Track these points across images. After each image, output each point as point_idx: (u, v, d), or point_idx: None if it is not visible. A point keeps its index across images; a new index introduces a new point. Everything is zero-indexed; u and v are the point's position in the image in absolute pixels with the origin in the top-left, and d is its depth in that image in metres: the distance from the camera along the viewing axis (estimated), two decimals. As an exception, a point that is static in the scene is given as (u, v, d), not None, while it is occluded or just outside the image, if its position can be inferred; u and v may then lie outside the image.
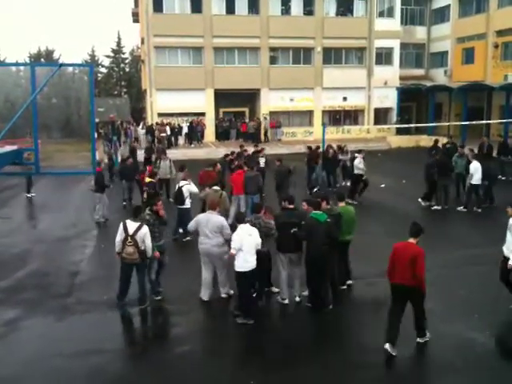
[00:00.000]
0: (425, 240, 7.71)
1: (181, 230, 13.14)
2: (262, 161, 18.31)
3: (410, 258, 7.19)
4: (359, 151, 17.99)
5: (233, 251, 8.35)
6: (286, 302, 9.19)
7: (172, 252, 10.99)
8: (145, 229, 8.86)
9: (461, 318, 8.57)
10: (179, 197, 12.84)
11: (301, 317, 8.92)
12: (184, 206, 12.76)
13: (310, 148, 20.17)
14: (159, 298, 9.49)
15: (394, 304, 7.56)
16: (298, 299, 9.21)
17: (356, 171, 17.33)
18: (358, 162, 17.30)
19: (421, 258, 7.19)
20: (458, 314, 8.72)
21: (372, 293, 9.74)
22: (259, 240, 8.52)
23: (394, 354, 7.24)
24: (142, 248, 8.81)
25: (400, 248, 7.45)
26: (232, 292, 9.35)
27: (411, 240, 7.46)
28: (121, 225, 9.04)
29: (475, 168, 15.49)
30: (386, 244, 11.46)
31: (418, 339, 7.66)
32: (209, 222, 9.04)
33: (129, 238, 8.77)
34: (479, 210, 15.68)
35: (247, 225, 8.59)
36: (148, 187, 14.05)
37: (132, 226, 8.88)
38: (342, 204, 9.81)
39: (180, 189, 12.96)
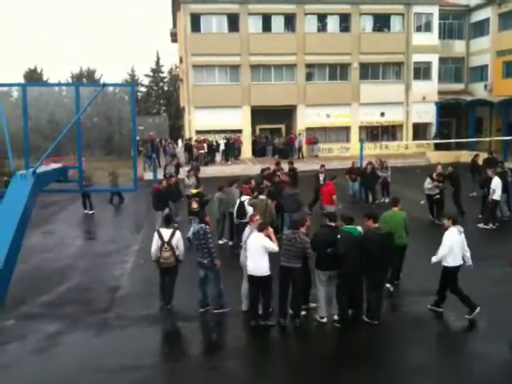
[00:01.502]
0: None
1: (230, 243, 13.63)
2: (321, 177, 18.21)
3: None
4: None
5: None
6: (325, 320, 9.05)
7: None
8: (178, 234, 9.55)
9: (505, 338, 8.26)
10: (241, 210, 13.07)
11: (339, 335, 8.79)
12: (244, 220, 12.73)
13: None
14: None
15: None
16: (336, 317, 9.06)
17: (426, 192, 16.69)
18: (427, 183, 16.48)
19: None
20: (503, 334, 8.41)
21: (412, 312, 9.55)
22: (264, 244, 8.60)
23: None
24: (177, 253, 9.46)
25: None
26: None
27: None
28: (155, 234, 9.61)
29: (497, 183, 15.06)
30: (423, 263, 11.32)
31: None
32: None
33: (165, 244, 9.36)
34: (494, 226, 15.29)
35: (256, 233, 8.79)
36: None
37: (166, 233, 9.45)
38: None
39: (242, 203, 13.26)
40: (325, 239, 8.85)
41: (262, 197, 12.99)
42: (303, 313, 9.18)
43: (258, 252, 8.69)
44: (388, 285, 10.08)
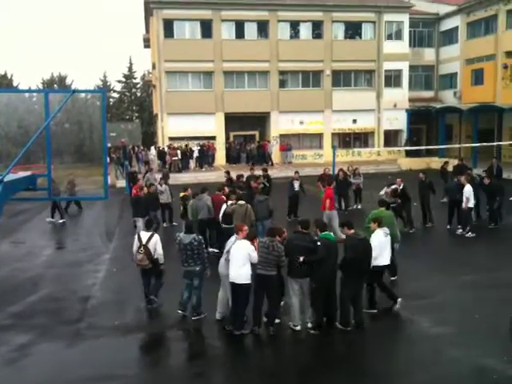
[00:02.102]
0: (441, 263, 7.63)
1: (216, 250, 13.44)
2: (296, 184, 18.21)
3: None
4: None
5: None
6: (298, 328, 9.02)
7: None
8: (155, 237, 9.83)
9: (476, 343, 8.40)
10: (228, 217, 12.98)
11: (313, 343, 8.80)
12: (231, 226, 12.67)
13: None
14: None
15: None
16: (310, 325, 9.03)
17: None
18: (382, 191, 16.01)
19: None
20: (474, 339, 8.55)
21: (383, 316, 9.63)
22: (247, 252, 8.58)
23: None
24: (155, 257, 9.75)
25: None
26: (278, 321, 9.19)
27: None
28: (136, 236, 10.04)
29: (469, 191, 15.31)
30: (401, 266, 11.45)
31: None
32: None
33: (141, 246, 9.71)
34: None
35: (240, 241, 8.81)
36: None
37: (145, 236, 9.86)
38: (350, 232, 9.23)
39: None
40: (297, 244, 8.81)
41: (242, 202, 12.96)
42: (277, 321, 9.14)
43: (240, 260, 8.64)
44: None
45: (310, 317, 9.07)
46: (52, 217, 19.40)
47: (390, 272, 11.03)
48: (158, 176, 20.14)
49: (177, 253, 9.73)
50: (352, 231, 9.15)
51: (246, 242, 8.80)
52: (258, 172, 19.09)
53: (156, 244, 9.79)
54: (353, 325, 8.97)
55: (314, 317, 8.97)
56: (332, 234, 9.34)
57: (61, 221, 19.31)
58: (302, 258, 8.62)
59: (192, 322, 9.47)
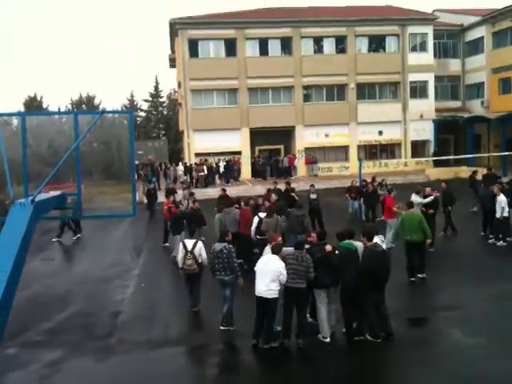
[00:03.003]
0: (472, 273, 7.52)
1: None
2: (313, 197, 18.29)
3: None
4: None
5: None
6: (328, 340, 9.02)
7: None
8: (200, 244, 10.59)
9: (508, 355, 8.23)
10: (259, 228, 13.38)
11: (343, 356, 8.75)
12: (263, 237, 12.93)
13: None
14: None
15: None
16: (328, 340, 9.06)
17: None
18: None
19: None
20: (505, 351, 8.38)
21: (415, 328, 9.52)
22: (279, 269, 8.54)
23: None
24: (200, 261, 10.51)
25: None
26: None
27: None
28: (180, 244, 10.86)
29: (504, 201, 15.05)
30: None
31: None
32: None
33: (188, 253, 10.43)
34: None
35: (269, 255, 8.94)
36: None
37: (189, 243, 10.57)
38: (369, 243, 9.22)
39: (261, 220, 13.52)
40: (320, 257, 8.94)
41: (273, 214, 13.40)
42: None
43: (269, 275, 8.63)
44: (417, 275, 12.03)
45: (332, 326, 9.19)
46: (59, 236, 19.35)
47: (419, 269, 12.15)
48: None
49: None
50: (371, 243, 9.15)
51: (277, 259, 8.77)
52: (281, 186, 19.24)
53: (201, 250, 10.59)
54: (383, 336, 8.91)
55: (345, 323, 9.12)
56: (353, 242, 9.31)
57: (75, 238, 19.56)
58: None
59: (222, 335, 9.56)
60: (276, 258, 8.79)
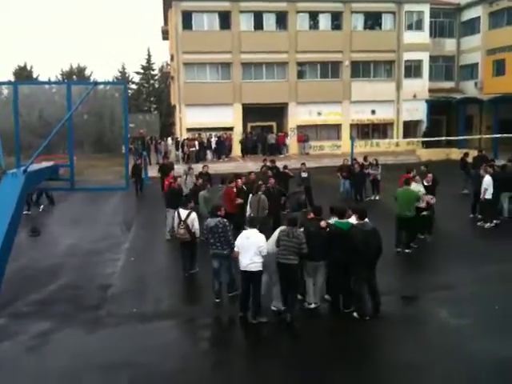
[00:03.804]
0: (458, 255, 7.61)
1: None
2: (303, 175, 18.26)
3: None
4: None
5: (235, 250, 9.11)
6: (312, 306, 9.44)
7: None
8: (193, 214, 11.13)
9: (496, 335, 8.37)
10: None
11: (330, 330, 8.87)
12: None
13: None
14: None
15: None
16: (313, 306, 9.48)
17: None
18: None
19: None
20: (493, 331, 8.51)
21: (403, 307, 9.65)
22: (260, 242, 8.77)
23: None
24: (193, 230, 11.00)
25: None
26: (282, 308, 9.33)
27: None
28: (175, 213, 11.39)
29: (488, 182, 15.12)
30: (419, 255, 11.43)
31: None
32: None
33: (181, 222, 10.99)
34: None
35: (249, 229, 9.15)
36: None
37: (183, 213, 11.10)
38: (360, 221, 9.40)
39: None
40: (313, 231, 9.16)
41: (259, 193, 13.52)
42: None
43: (253, 249, 8.80)
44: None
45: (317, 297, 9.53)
46: (28, 208, 18.98)
47: (407, 245, 12.67)
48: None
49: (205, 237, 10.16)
50: (362, 221, 9.27)
51: (257, 232, 9.00)
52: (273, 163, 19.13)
53: (194, 220, 11.06)
54: (369, 314, 9.06)
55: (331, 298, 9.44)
56: (349, 221, 9.44)
57: (41, 209, 19.72)
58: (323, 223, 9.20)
59: (213, 309, 9.71)
60: (255, 231, 9.01)
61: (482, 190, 15.15)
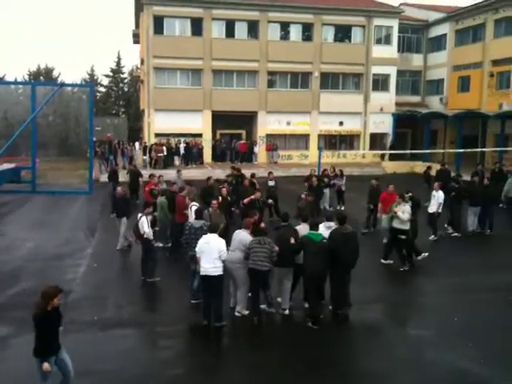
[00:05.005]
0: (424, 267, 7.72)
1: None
2: (270, 183, 18.29)
3: None
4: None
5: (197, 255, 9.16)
6: (287, 312, 9.68)
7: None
8: (142, 218, 11.29)
9: (454, 346, 8.53)
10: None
11: (295, 340, 8.87)
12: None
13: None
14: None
15: None
16: (287, 312, 9.70)
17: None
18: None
19: None
20: (452, 342, 8.67)
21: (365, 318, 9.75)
22: (221, 247, 8.92)
23: None
24: (142, 233, 11.23)
25: None
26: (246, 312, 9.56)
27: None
28: (144, 218, 11.41)
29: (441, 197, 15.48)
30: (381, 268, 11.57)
31: None
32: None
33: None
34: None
35: (208, 235, 9.20)
36: None
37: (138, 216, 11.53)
38: (338, 226, 9.85)
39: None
40: (286, 238, 9.41)
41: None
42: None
43: (213, 252, 8.92)
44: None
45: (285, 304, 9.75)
46: None
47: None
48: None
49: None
50: (342, 226, 9.64)
51: (216, 237, 9.13)
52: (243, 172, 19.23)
53: (141, 223, 11.30)
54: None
55: (310, 311, 9.46)
56: (319, 232, 9.53)
57: None
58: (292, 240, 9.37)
59: (174, 317, 9.65)
60: (215, 235, 9.13)
61: (436, 203, 15.43)
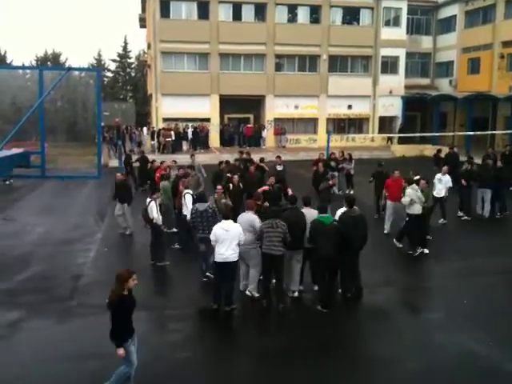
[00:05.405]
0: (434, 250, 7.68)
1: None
2: (278, 168, 18.10)
3: None
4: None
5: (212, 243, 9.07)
6: (296, 294, 9.75)
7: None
8: (152, 203, 11.29)
9: (463, 328, 8.52)
10: None
11: (301, 324, 8.91)
12: None
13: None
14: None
15: None
16: (296, 294, 9.74)
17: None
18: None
19: None
20: (460, 325, 8.67)
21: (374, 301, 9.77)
22: (240, 232, 8.93)
23: None
24: (151, 218, 11.24)
25: None
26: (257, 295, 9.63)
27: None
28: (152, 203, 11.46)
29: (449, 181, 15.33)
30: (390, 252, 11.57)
31: None
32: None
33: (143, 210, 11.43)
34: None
35: (228, 221, 9.05)
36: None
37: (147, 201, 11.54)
38: (347, 209, 9.88)
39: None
40: (294, 220, 9.36)
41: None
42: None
43: (234, 239, 8.91)
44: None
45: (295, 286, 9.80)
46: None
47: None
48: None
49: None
50: (350, 209, 9.69)
51: (233, 223, 9.10)
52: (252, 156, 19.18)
53: (151, 208, 11.30)
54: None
55: (320, 294, 9.48)
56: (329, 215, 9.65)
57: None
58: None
59: (185, 300, 9.70)
60: (231, 222, 9.09)
61: (443, 188, 15.22)
